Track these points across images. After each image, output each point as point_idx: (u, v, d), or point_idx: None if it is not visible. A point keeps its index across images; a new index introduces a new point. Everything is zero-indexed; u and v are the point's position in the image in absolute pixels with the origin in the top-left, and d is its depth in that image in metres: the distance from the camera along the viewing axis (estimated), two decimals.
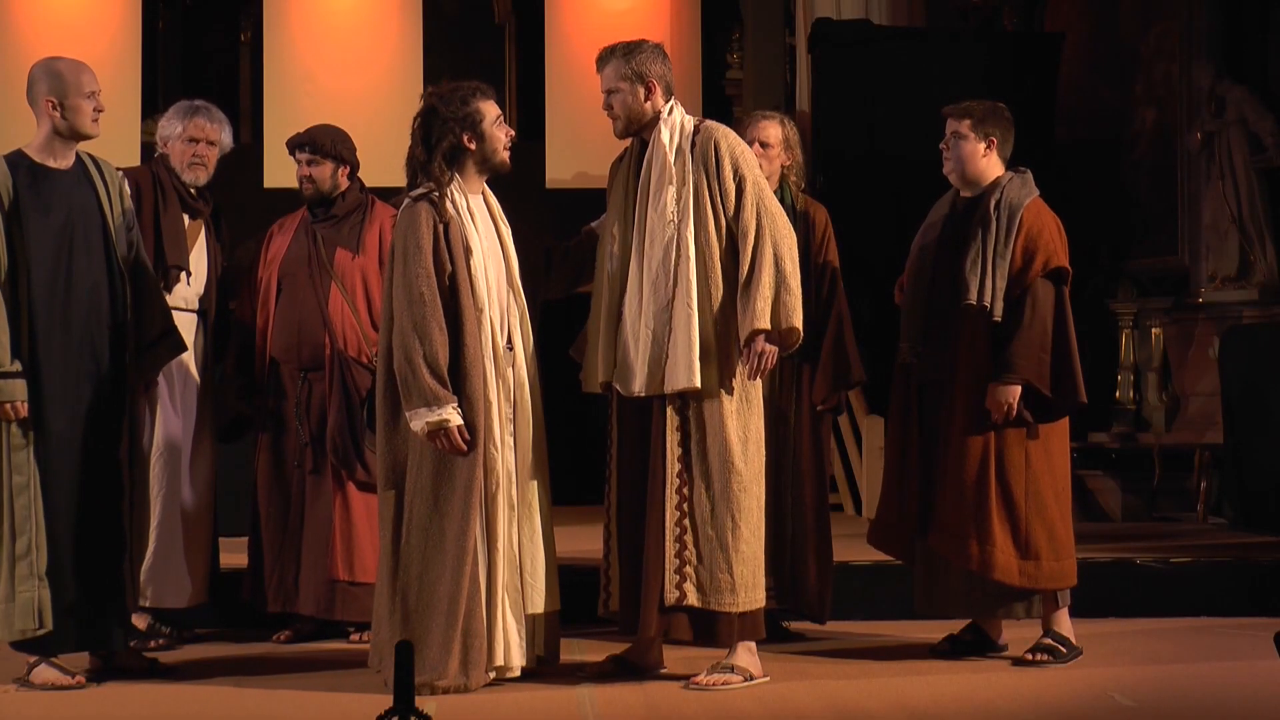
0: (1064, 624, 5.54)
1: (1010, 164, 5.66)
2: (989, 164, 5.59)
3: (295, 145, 6.07)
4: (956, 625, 5.71)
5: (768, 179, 5.78)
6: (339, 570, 5.85)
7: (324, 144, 6.01)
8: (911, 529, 5.59)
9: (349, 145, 6.07)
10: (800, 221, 5.79)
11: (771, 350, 5.06)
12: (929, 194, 5.72)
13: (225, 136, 6.05)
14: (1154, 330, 9.67)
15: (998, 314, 5.44)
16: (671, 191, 5.12)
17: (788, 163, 5.89)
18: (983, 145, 5.57)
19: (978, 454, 5.46)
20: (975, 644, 5.66)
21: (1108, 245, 10.04)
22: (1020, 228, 5.46)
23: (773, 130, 5.87)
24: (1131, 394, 9.67)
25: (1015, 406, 5.38)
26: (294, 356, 5.93)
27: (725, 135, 5.19)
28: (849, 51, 8.72)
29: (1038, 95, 8.95)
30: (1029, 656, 5.48)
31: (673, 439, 5.09)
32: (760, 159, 5.70)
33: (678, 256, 5.09)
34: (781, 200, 5.79)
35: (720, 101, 12.25)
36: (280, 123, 9.53)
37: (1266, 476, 7.87)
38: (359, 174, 6.14)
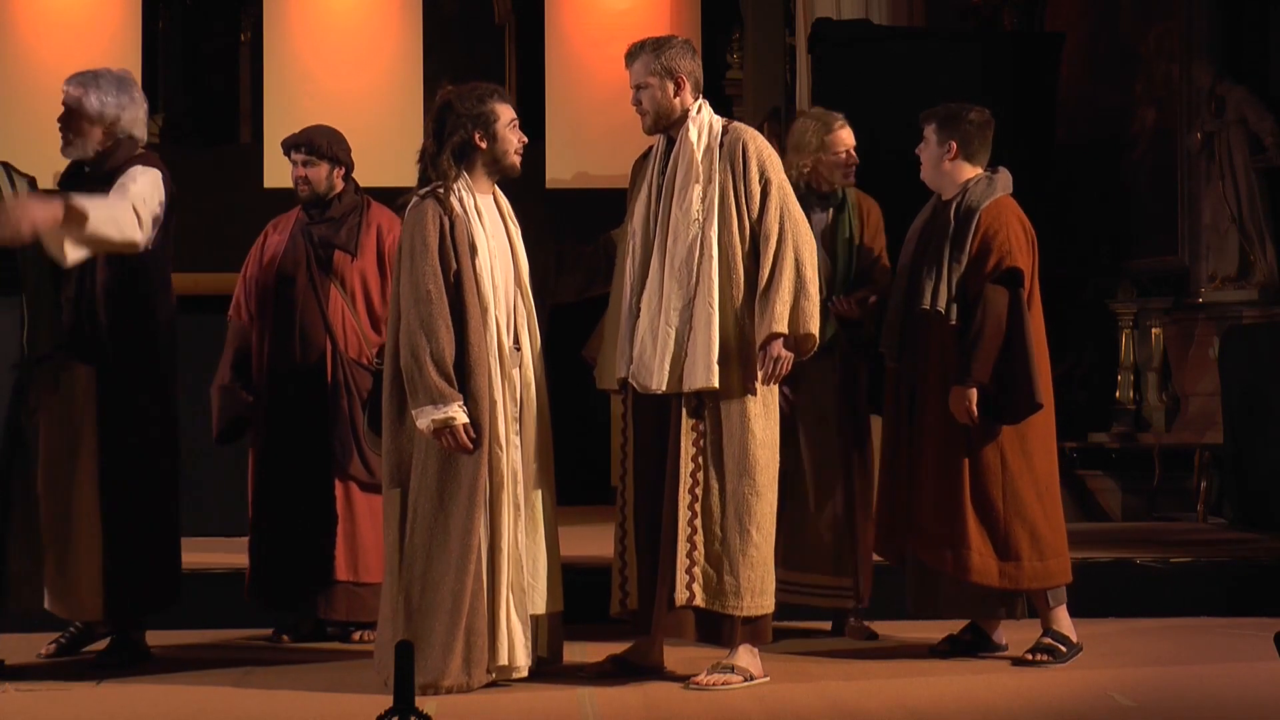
0: (1063, 622, 5.54)
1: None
2: (954, 168, 5.59)
3: (290, 146, 6.05)
4: (956, 625, 5.71)
5: (848, 183, 5.89)
6: (342, 571, 5.85)
7: (320, 145, 6.00)
8: (902, 532, 5.59)
9: (344, 146, 6.05)
10: (854, 212, 5.90)
11: (787, 356, 5.06)
12: (928, 195, 5.72)
13: (90, 101, 5.44)
14: (1154, 330, 9.67)
15: (953, 317, 5.45)
16: (698, 190, 5.12)
17: None
18: (943, 150, 5.58)
19: (950, 457, 5.46)
20: (975, 644, 5.66)
21: (1108, 245, 10.04)
22: (977, 229, 5.47)
23: (851, 134, 5.95)
24: (1131, 394, 9.68)
25: (973, 410, 5.38)
26: (293, 358, 5.92)
27: (754, 138, 5.19)
28: (849, 51, 8.71)
29: (1038, 95, 8.95)
30: (1029, 656, 5.49)
31: (688, 439, 5.09)
32: (855, 161, 5.88)
33: (701, 255, 5.08)
34: (843, 197, 5.90)
35: (720, 101, 12.25)
36: (280, 123, 9.55)
37: (1266, 476, 7.87)
38: (354, 175, 6.12)
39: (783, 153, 5.82)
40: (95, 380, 5.41)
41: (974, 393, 5.38)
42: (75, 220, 5.06)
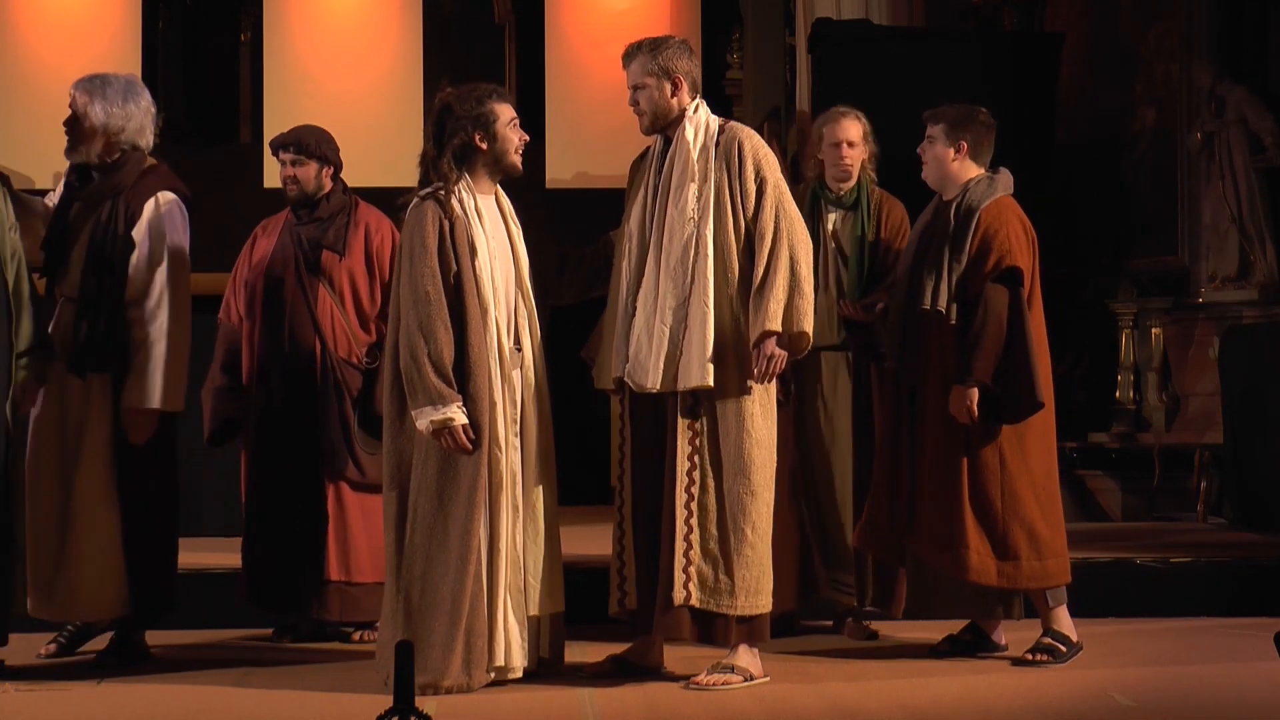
0: (1063, 622, 5.54)
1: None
2: (961, 168, 5.59)
3: (279, 145, 6.04)
4: (956, 625, 5.71)
5: (849, 176, 5.85)
6: (335, 571, 5.85)
7: (308, 144, 5.99)
8: (902, 531, 5.59)
9: (333, 146, 6.04)
10: (872, 212, 5.89)
11: (781, 354, 5.05)
12: (929, 195, 5.73)
13: (95, 111, 5.45)
14: (1154, 330, 9.67)
15: (953, 317, 5.45)
16: (693, 189, 5.11)
17: (865, 156, 5.94)
18: (953, 150, 5.58)
19: (950, 457, 5.46)
20: (974, 644, 5.66)
21: (1108, 245, 10.04)
22: (977, 229, 5.47)
23: (855, 128, 5.93)
24: (1131, 394, 9.68)
25: (974, 409, 5.38)
26: (284, 358, 5.91)
27: (750, 136, 5.19)
28: (849, 51, 8.71)
29: (1038, 95, 8.95)
30: (1028, 656, 5.49)
31: (684, 437, 5.08)
32: (845, 157, 5.86)
33: (696, 254, 5.08)
34: (858, 196, 5.84)
35: (720, 101, 12.26)
36: (280, 123, 9.50)
37: (1266, 476, 7.87)
38: (352, 175, 6.12)
39: (782, 154, 5.83)
40: (108, 381, 5.41)
41: (974, 392, 5.38)
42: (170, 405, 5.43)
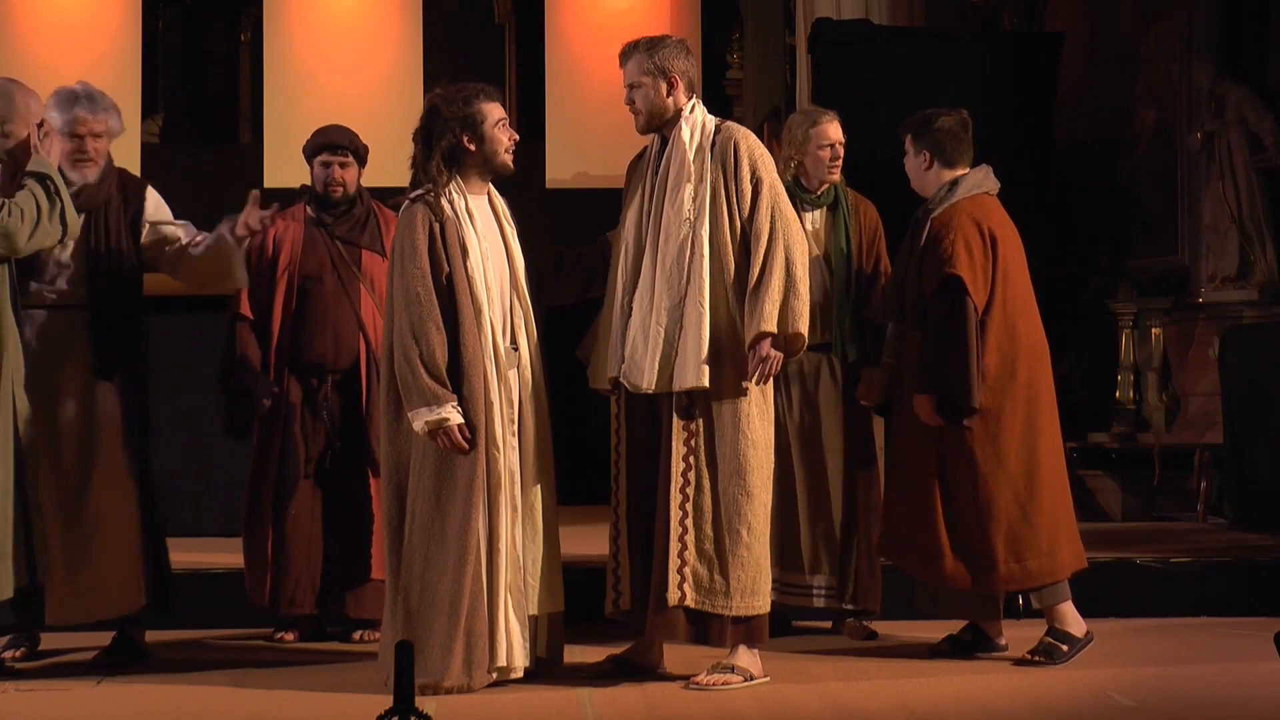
0: (1066, 619, 5.51)
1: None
2: (934, 175, 5.58)
3: (327, 147, 5.99)
4: (956, 625, 5.71)
5: (837, 177, 5.87)
6: (377, 569, 5.80)
7: (359, 147, 6.01)
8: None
9: None
10: (849, 215, 5.91)
11: (777, 355, 5.05)
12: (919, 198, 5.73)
13: (115, 123, 5.52)
14: (1154, 330, 9.68)
15: (911, 326, 5.46)
16: (689, 189, 5.11)
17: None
18: (921, 160, 5.59)
19: (922, 464, 5.47)
20: (975, 644, 5.65)
21: (1108, 245, 10.05)
22: (927, 237, 5.48)
23: (839, 129, 5.94)
24: (1131, 394, 9.68)
25: (930, 414, 5.38)
26: (327, 357, 5.88)
27: (745, 137, 5.18)
28: (849, 51, 8.71)
29: (1038, 95, 8.95)
30: (1028, 656, 5.48)
31: (679, 438, 5.08)
32: (840, 158, 5.88)
33: (692, 254, 5.08)
34: (835, 196, 5.87)
35: (720, 101, 12.26)
36: (280, 123, 9.57)
37: (1266, 476, 7.87)
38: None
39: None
40: (120, 380, 5.41)
41: (924, 399, 5.38)
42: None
